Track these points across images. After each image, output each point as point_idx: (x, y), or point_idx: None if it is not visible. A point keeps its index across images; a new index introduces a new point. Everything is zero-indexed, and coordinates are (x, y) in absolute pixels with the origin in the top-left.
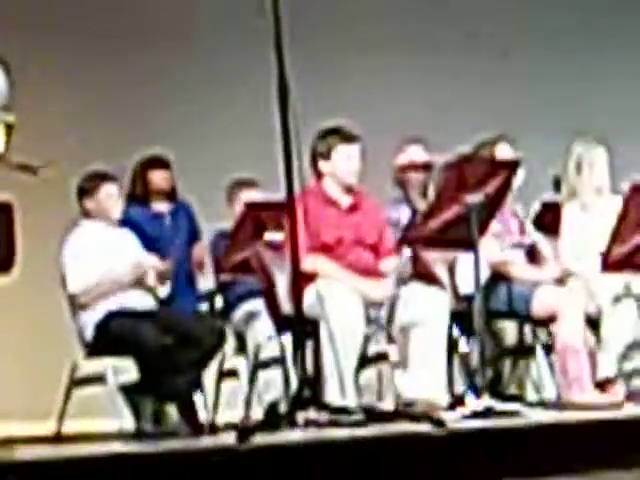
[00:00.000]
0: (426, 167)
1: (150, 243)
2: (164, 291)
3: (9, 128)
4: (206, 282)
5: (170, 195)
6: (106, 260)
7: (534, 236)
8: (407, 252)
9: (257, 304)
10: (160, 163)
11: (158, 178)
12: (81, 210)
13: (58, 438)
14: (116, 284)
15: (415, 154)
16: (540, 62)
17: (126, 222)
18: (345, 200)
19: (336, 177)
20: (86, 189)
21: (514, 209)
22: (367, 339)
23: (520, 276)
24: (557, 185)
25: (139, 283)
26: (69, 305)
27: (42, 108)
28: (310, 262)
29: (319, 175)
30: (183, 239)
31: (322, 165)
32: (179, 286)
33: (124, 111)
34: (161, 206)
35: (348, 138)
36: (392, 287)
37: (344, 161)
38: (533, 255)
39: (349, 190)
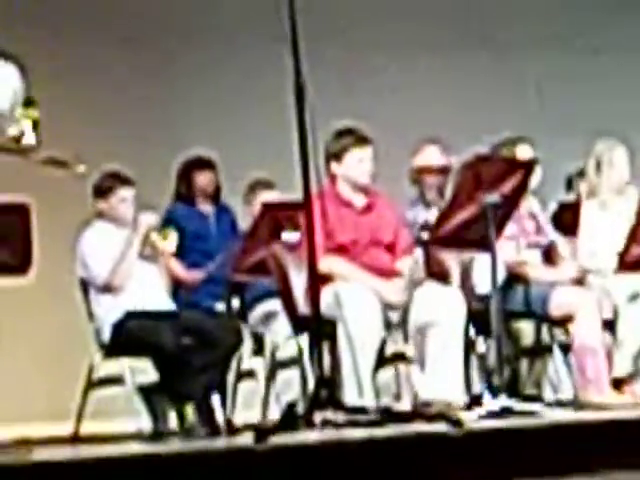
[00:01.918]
0: (443, 170)
1: (195, 243)
2: (171, 245)
3: (35, 123)
4: None
5: (214, 197)
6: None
7: (552, 235)
8: (420, 252)
9: (274, 305)
10: (205, 164)
11: (203, 179)
12: (94, 210)
13: (76, 439)
14: (131, 255)
15: (432, 156)
16: (558, 62)
17: (171, 220)
18: (359, 200)
19: (349, 179)
20: (101, 190)
21: (531, 209)
22: (384, 339)
23: (536, 277)
24: (569, 185)
25: (146, 245)
26: (87, 304)
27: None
28: (326, 263)
29: (332, 177)
30: (226, 242)
31: (335, 167)
32: (214, 288)
33: (139, 111)
34: (206, 207)
35: (360, 141)
36: (407, 287)
37: (356, 164)
38: (550, 255)
39: (363, 191)
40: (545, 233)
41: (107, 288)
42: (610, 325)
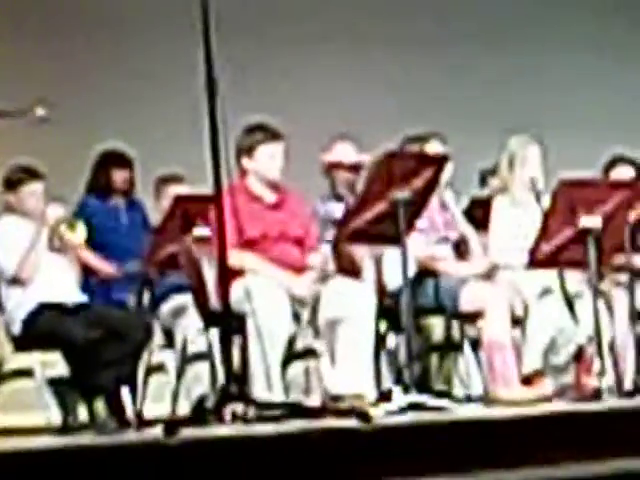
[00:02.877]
0: (355, 166)
1: (106, 237)
2: (79, 237)
3: None
4: None
5: (127, 191)
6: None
7: (464, 229)
8: (329, 247)
9: (185, 299)
10: (122, 160)
11: (120, 176)
12: (2, 203)
13: None
14: (39, 247)
15: (343, 153)
16: (472, 57)
17: (83, 214)
18: (269, 196)
19: (259, 174)
20: (10, 182)
21: (443, 202)
22: (294, 334)
23: (447, 271)
24: (483, 180)
25: (54, 237)
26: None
27: None
28: (236, 257)
29: (243, 172)
30: (138, 236)
31: (246, 162)
32: (124, 281)
33: (54, 100)
34: (117, 201)
35: (271, 136)
36: (316, 282)
37: (267, 159)
38: (460, 250)
39: (273, 186)
40: (455, 227)
41: (15, 281)
42: (520, 321)
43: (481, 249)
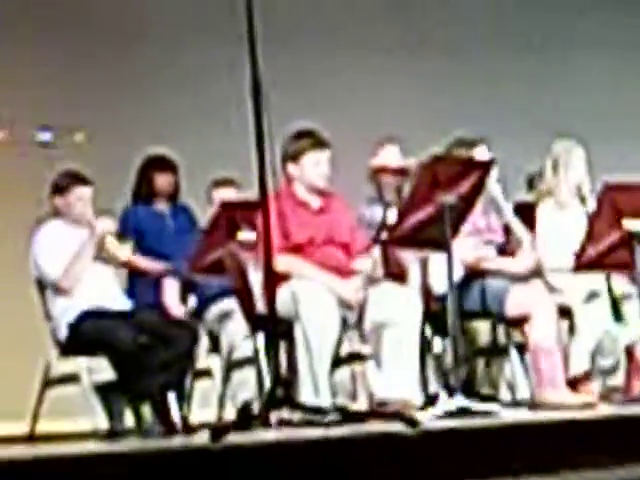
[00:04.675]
0: (401, 171)
1: (152, 242)
2: (125, 253)
3: None
4: None
5: (172, 196)
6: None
7: (514, 223)
8: (377, 252)
9: (230, 304)
10: (166, 165)
11: (164, 181)
12: (51, 208)
13: (32, 438)
14: (84, 258)
15: (390, 156)
16: (517, 60)
17: (129, 220)
18: (315, 202)
19: (305, 181)
20: (59, 187)
21: (485, 208)
22: (341, 339)
23: (495, 268)
24: (530, 184)
25: (101, 250)
26: (43, 303)
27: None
28: (283, 262)
29: (289, 177)
30: (183, 241)
31: (291, 168)
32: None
33: (98, 108)
34: (163, 206)
35: (318, 144)
36: (363, 286)
37: (313, 166)
38: (505, 251)
39: (319, 192)
40: (498, 231)
41: (57, 289)
42: (567, 325)
43: (531, 245)
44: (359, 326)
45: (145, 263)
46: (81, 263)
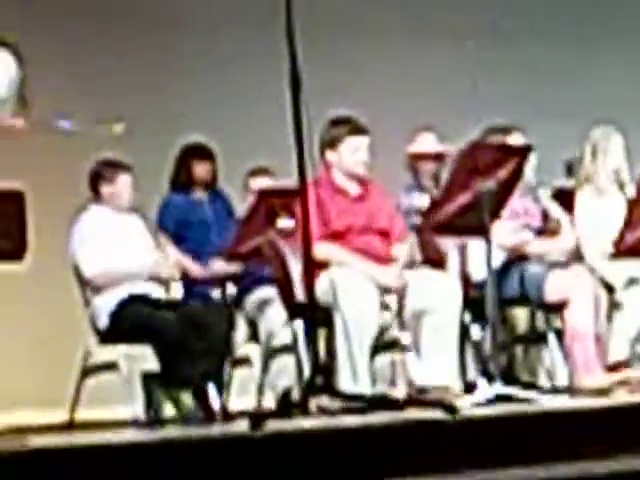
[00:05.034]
0: (438, 156)
1: (190, 230)
2: (178, 288)
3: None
4: None
5: (210, 184)
6: (120, 245)
7: (552, 208)
8: (414, 238)
9: (269, 291)
10: (204, 153)
11: (202, 169)
12: (93, 195)
13: (71, 426)
14: (133, 272)
15: (427, 143)
16: (554, 49)
17: (167, 208)
18: (354, 189)
19: (343, 168)
20: (104, 175)
21: (522, 192)
22: (380, 326)
23: (535, 251)
24: (569, 171)
25: (155, 277)
26: (82, 290)
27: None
28: (322, 249)
29: (327, 164)
30: (222, 229)
31: (330, 155)
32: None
33: (137, 97)
34: (201, 194)
35: (356, 130)
36: (403, 273)
37: (351, 153)
38: (543, 236)
39: (358, 179)
40: (535, 215)
41: (91, 284)
42: (606, 310)
43: (570, 226)
44: (398, 313)
45: (185, 262)
46: (128, 276)
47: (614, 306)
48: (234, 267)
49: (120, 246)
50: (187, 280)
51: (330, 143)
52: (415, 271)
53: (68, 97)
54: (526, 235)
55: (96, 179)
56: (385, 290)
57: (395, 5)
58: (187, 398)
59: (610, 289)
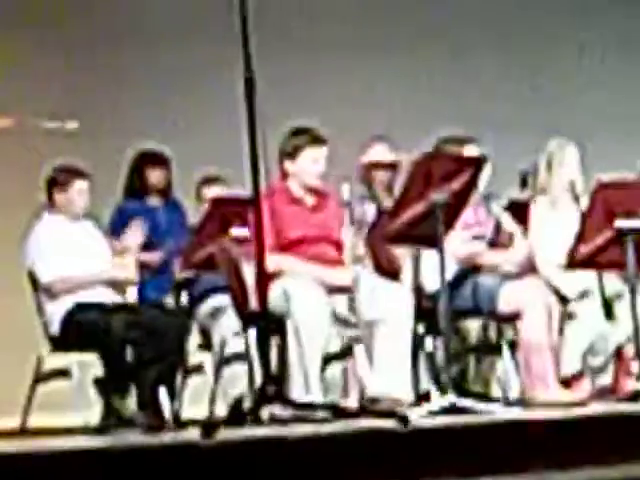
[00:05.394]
0: (391, 166)
1: (145, 238)
2: (132, 294)
3: None
4: None
5: (164, 191)
6: (76, 252)
7: (504, 220)
8: (368, 249)
9: (223, 300)
10: (159, 160)
11: (156, 176)
12: (48, 202)
13: (23, 432)
14: (90, 278)
15: (380, 153)
16: (507, 60)
17: (121, 216)
18: (309, 199)
19: (300, 178)
20: (58, 182)
21: (473, 202)
22: (332, 336)
23: (488, 262)
24: (524, 182)
25: (113, 283)
26: (36, 297)
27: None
28: (273, 261)
29: (284, 174)
30: (175, 235)
31: (288, 165)
32: (162, 281)
33: (91, 108)
34: (156, 202)
35: (316, 141)
36: (354, 275)
37: (309, 164)
38: (495, 247)
39: (313, 190)
40: (487, 225)
41: (49, 292)
42: (559, 323)
43: (524, 238)
44: (351, 323)
45: (142, 255)
46: (85, 282)
47: (567, 317)
48: (188, 274)
49: (75, 252)
50: (141, 287)
51: (289, 153)
52: (368, 281)
53: (20, 98)
54: (479, 246)
55: (50, 186)
56: (339, 288)
57: (348, 17)
58: (137, 405)
59: (564, 300)
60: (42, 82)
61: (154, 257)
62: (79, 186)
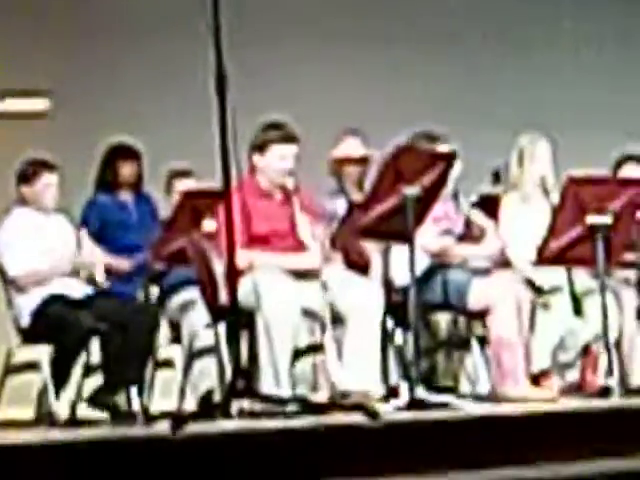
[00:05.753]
0: (362, 160)
1: (115, 231)
2: (103, 287)
3: None
4: None
5: (135, 185)
6: (44, 245)
7: (473, 214)
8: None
9: (193, 293)
10: (130, 153)
11: (127, 169)
12: (17, 196)
13: None
14: (57, 271)
15: (351, 147)
16: (483, 55)
17: (92, 209)
18: (278, 194)
19: (268, 173)
20: (25, 176)
21: (447, 198)
22: (302, 330)
23: (460, 255)
24: (496, 178)
25: (78, 273)
26: (6, 290)
27: None
28: (244, 257)
29: (253, 168)
30: (147, 230)
31: (256, 159)
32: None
33: (69, 101)
34: (126, 195)
35: (286, 138)
36: (321, 259)
37: (277, 160)
38: (464, 241)
39: (282, 185)
40: (456, 219)
41: (17, 286)
42: (529, 319)
43: (494, 233)
44: (320, 317)
45: (108, 258)
46: (51, 273)
47: (542, 307)
48: (158, 267)
49: (44, 246)
50: (112, 279)
51: (259, 147)
52: (337, 275)
53: None
54: (448, 240)
55: (19, 180)
56: (307, 272)
57: (323, 9)
58: (106, 399)
59: (539, 291)
60: (10, 72)
61: (123, 264)
62: (47, 180)
